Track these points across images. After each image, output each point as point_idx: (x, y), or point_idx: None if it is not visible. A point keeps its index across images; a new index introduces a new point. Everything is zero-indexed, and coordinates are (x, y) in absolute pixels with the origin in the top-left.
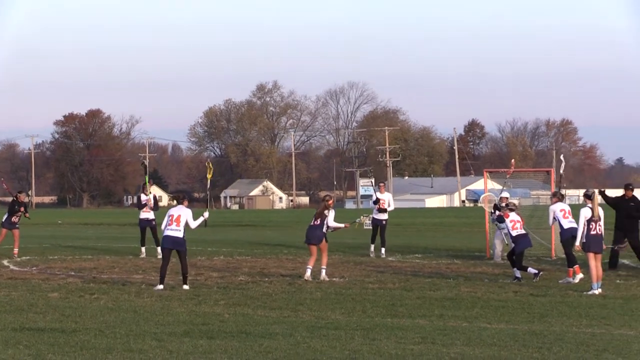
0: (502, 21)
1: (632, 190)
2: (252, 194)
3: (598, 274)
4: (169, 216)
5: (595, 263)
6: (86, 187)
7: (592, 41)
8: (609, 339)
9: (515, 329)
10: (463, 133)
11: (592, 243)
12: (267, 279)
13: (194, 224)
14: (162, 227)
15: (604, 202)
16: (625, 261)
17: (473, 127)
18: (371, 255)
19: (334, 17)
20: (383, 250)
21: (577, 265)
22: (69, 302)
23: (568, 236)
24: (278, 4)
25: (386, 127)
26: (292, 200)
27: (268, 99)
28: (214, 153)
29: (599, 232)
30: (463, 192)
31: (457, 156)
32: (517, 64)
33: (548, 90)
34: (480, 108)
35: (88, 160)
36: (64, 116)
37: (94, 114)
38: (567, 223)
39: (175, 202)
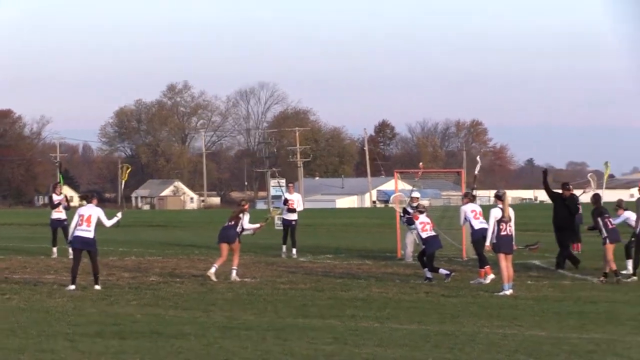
0: (412, 21)
1: (570, 190)
2: (163, 194)
3: (509, 274)
4: (79, 216)
5: (505, 264)
6: None
7: (499, 41)
8: (520, 339)
9: (427, 330)
10: (373, 134)
11: (502, 244)
12: (178, 280)
13: (108, 223)
14: (72, 226)
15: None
16: (536, 262)
17: (383, 128)
18: (283, 255)
19: (242, 16)
20: (294, 250)
21: (488, 266)
22: None
23: (479, 237)
24: (185, 3)
25: (297, 128)
26: (203, 201)
27: (178, 99)
28: (125, 153)
29: (509, 233)
30: (374, 192)
31: (367, 157)
32: (426, 63)
33: (458, 91)
34: (391, 109)
35: None
36: None
37: (5, 114)
38: (478, 224)
39: (84, 201)
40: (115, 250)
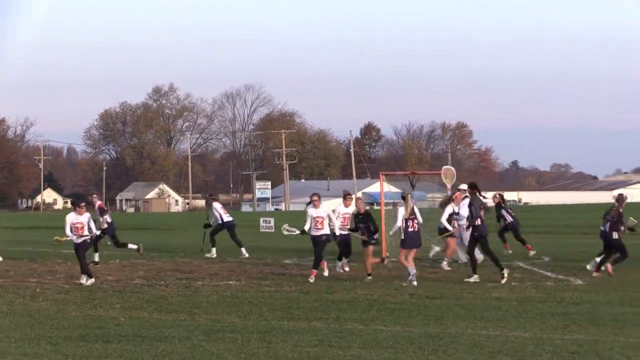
0: (398, 24)
1: None
2: (148, 196)
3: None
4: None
5: (404, 258)
6: None
7: (484, 44)
8: (503, 340)
9: (411, 332)
10: (359, 136)
11: (407, 240)
12: (163, 282)
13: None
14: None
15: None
16: (520, 263)
17: (369, 130)
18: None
19: (228, 17)
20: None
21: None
22: None
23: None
24: (171, 5)
25: (283, 130)
26: (188, 203)
27: (164, 101)
28: (110, 156)
29: (416, 229)
30: (359, 194)
31: (353, 159)
32: (412, 66)
33: (443, 93)
34: (377, 111)
35: None
36: None
37: None
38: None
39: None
40: (100, 253)
